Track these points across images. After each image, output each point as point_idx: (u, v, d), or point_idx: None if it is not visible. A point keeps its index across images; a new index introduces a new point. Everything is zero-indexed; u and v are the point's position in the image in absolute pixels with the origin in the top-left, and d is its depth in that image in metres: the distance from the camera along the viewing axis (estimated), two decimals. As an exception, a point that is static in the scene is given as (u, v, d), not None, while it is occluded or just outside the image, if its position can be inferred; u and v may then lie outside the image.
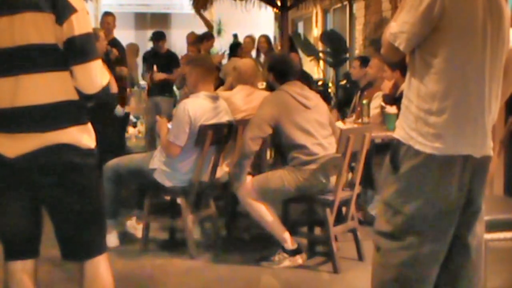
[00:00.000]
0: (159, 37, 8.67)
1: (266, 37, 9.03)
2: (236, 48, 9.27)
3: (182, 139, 4.40)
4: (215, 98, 4.60)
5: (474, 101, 2.36)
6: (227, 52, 10.20)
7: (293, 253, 4.28)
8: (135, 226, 4.92)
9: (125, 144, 8.94)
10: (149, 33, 9.48)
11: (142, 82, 9.72)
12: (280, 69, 4.47)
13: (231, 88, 5.55)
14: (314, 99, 4.42)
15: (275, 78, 4.48)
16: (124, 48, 7.89)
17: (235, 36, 10.36)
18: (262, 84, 6.28)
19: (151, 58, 8.64)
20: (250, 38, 9.34)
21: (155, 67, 8.34)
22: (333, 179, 4.24)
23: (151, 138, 8.78)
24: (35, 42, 2.39)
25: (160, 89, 8.43)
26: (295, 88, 4.37)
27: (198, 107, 4.46)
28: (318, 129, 4.30)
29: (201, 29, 10.31)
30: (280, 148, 4.46)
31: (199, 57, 5.15)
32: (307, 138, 4.24)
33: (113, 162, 4.73)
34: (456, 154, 2.34)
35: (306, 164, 4.21)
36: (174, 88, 8.99)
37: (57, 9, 2.37)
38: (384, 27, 2.60)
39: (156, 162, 4.55)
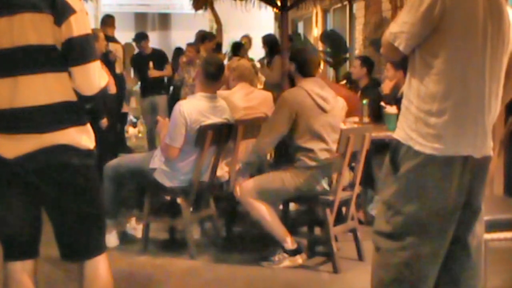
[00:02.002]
0: (141, 38, 8.69)
1: (248, 38, 9.16)
2: (238, 48, 9.29)
3: (179, 141, 4.40)
4: (212, 98, 4.59)
5: (474, 101, 2.36)
6: (228, 52, 10.20)
7: (293, 253, 4.27)
8: (134, 227, 4.92)
9: (125, 144, 8.96)
10: (150, 33, 9.49)
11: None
12: (302, 60, 4.35)
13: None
14: (332, 101, 4.31)
15: (297, 68, 4.35)
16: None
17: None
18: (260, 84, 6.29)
19: (140, 60, 8.65)
20: (247, 38, 9.35)
21: (150, 64, 8.35)
22: (333, 179, 4.24)
23: (151, 138, 8.81)
24: (34, 43, 2.39)
25: (154, 88, 8.45)
26: (315, 88, 4.26)
27: (194, 107, 4.45)
28: (330, 133, 4.23)
29: (202, 29, 10.31)
30: (286, 146, 4.39)
31: (208, 59, 5.07)
32: (317, 143, 4.19)
33: (113, 162, 4.75)
34: (456, 154, 2.34)
35: (309, 168, 4.19)
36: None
37: (56, 10, 2.37)
38: (384, 27, 2.61)
39: (157, 161, 4.55)
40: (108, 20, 8.48)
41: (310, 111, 4.19)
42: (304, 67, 4.34)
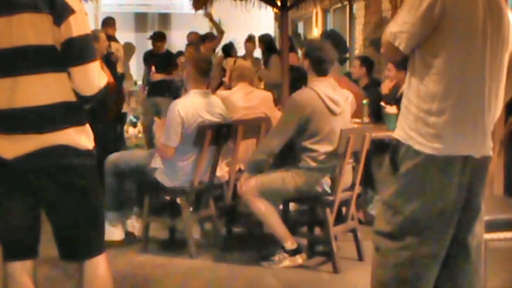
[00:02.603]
0: (158, 38, 8.68)
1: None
2: (228, 50, 9.29)
3: (174, 140, 4.40)
4: (205, 94, 4.60)
5: (473, 101, 2.36)
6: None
7: (293, 253, 4.27)
8: (134, 225, 4.92)
9: (124, 144, 8.94)
10: (149, 33, 9.49)
11: (139, 83, 9.75)
12: (317, 57, 4.24)
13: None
14: (342, 104, 4.26)
15: (311, 65, 4.25)
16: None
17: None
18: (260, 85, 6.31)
19: (150, 58, 8.65)
20: (251, 42, 9.38)
21: (153, 68, 8.35)
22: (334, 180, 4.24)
23: (150, 138, 8.81)
24: (33, 43, 2.39)
25: (160, 89, 8.44)
26: (327, 90, 4.19)
27: (189, 106, 4.46)
28: (338, 136, 4.22)
29: (202, 29, 10.29)
30: (289, 146, 4.33)
31: (198, 57, 5.16)
32: (323, 145, 4.17)
33: (114, 157, 4.74)
34: (455, 154, 2.34)
35: (311, 169, 4.19)
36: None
37: (55, 10, 2.37)
38: (384, 27, 2.61)
39: (158, 161, 4.55)
40: (109, 21, 8.51)
41: (320, 114, 4.14)
42: (319, 65, 4.24)
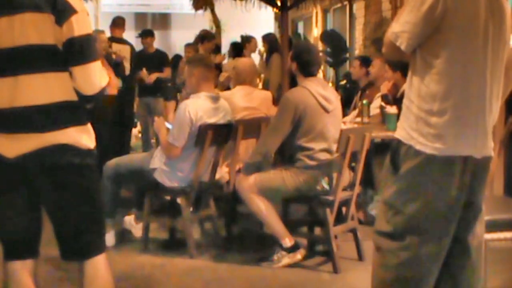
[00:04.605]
0: (147, 34, 8.67)
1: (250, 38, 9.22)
2: (238, 49, 9.27)
3: (182, 141, 4.41)
4: (215, 99, 4.59)
5: (475, 101, 2.36)
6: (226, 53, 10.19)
7: (291, 250, 4.26)
8: (132, 224, 4.92)
9: (129, 144, 8.93)
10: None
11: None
12: (305, 59, 4.30)
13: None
14: (334, 101, 4.31)
15: (299, 68, 4.32)
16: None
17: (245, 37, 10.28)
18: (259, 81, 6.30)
19: (140, 59, 8.59)
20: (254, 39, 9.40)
21: (144, 70, 8.31)
22: (333, 179, 4.24)
23: (146, 139, 8.81)
24: (35, 42, 2.39)
25: (151, 90, 8.42)
26: (318, 88, 4.25)
27: (199, 108, 4.46)
28: (332, 133, 4.24)
29: (204, 29, 10.29)
30: (286, 146, 4.36)
31: (198, 57, 5.16)
32: (318, 143, 4.20)
33: (113, 162, 4.74)
34: (456, 154, 2.34)
35: (309, 168, 4.19)
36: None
37: (57, 10, 2.38)
38: (384, 27, 2.61)
39: (157, 161, 4.56)
40: (117, 21, 8.44)
41: (313, 111, 4.18)
42: (307, 67, 4.31)
